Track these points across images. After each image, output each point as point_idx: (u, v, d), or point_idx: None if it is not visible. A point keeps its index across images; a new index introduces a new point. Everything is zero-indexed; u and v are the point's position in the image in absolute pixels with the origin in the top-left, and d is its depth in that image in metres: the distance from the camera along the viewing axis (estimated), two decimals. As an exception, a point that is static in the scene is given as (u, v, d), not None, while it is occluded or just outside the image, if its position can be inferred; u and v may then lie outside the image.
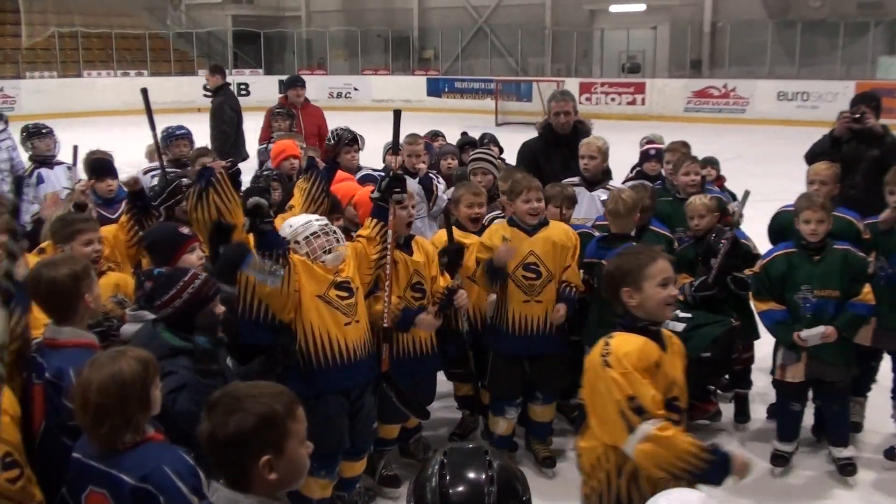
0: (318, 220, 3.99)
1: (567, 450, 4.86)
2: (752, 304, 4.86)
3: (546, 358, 4.62)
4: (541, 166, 5.85)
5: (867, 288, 4.49)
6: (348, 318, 3.92)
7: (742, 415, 5.28)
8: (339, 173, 5.93)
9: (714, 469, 2.74)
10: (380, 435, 4.43)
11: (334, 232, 3.96)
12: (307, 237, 3.90)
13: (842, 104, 19.20)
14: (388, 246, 4.14)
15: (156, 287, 3.29)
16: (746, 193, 4.79)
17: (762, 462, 4.73)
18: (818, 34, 23.01)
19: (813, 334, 4.43)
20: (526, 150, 6.18)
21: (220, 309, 3.30)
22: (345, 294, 3.93)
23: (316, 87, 27.19)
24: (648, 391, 2.75)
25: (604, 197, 5.20)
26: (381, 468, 4.61)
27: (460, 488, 1.83)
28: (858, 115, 5.57)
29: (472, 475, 1.85)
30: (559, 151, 5.77)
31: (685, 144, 6.22)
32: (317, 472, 3.85)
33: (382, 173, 6.50)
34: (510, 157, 7.22)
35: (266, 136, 8.33)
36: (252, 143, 9.33)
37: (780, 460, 4.78)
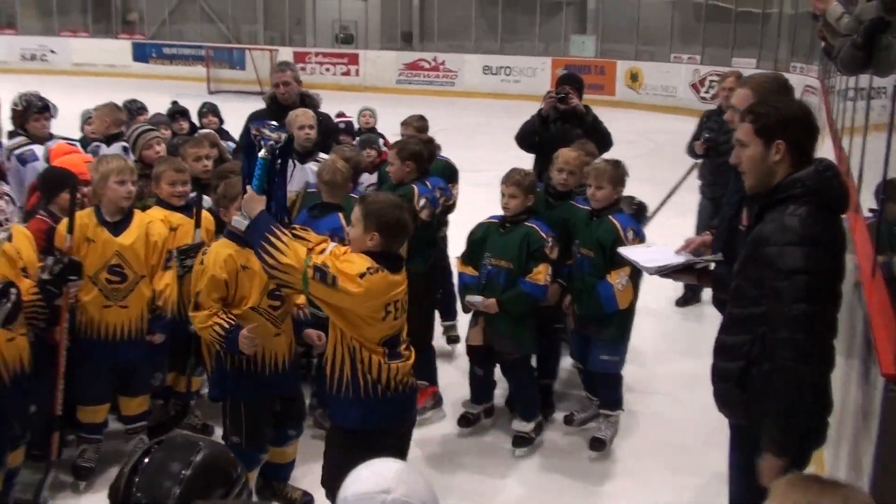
0: None
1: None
2: None
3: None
4: None
5: (540, 268, 4.60)
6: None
7: None
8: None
9: None
10: (81, 419, 4.29)
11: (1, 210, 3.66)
12: None
13: (541, 79, 20.73)
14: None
15: None
16: None
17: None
18: (517, 12, 24.28)
19: (475, 300, 4.69)
20: (249, 122, 6.02)
21: None
22: None
23: (5, 49, 24.87)
24: None
25: (315, 168, 5.18)
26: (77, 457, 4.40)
27: (146, 479, 1.76)
28: (563, 96, 5.89)
29: (164, 469, 1.77)
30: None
31: (421, 118, 6.31)
32: None
33: (78, 142, 6.07)
34: (231, 126, 7.03)
35: None
36: None
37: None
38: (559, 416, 5.20)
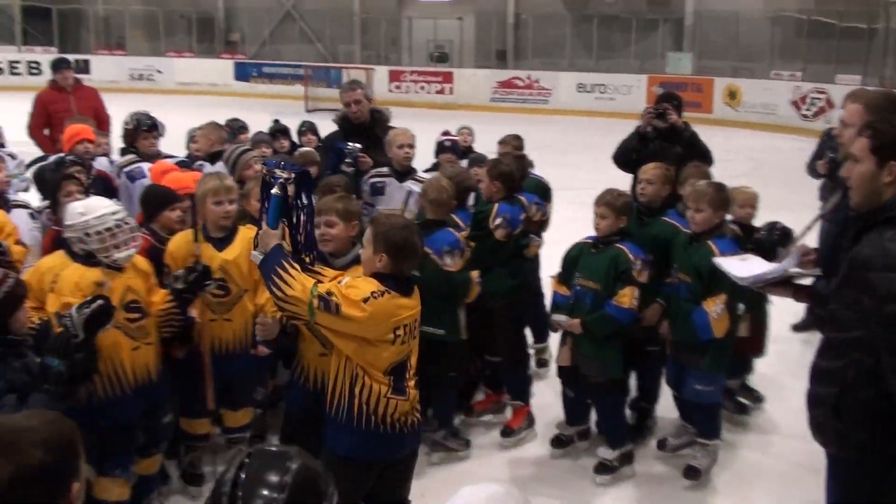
0: (113, 212, 3.72)
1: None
2: None
3: None
4: None
5: (626, 290, 4.51)
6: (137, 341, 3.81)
7: None
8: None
9: None
10: (186, 430, 4.38)
11: (131, 229, 3.76)
12: (100, 231, 3.66)
13: (637, 97, 20.52)
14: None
15: None
16: None
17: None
18: (613, 29, 24.15)
19: (561, 319, 4.65)
20: (328, 144, 6.13)
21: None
22: (136, 316, 3.79)
23: (115, 68, 25.92)
24: None
25: (415, 188, 5.22)
26: (185, 464, 4.53)
27: (249, 492, 1.80)
28: (662, 112, 5.83)
29: (264, 479, 1.81)
30: (359, 141, 5.70)
31: (517, 137, 6.32)
32: (111, 471, 3.76)
33: (187, 159, 6.27)
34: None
35: (39, 123, 7.94)
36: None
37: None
38: (654, 441, 5.11)
